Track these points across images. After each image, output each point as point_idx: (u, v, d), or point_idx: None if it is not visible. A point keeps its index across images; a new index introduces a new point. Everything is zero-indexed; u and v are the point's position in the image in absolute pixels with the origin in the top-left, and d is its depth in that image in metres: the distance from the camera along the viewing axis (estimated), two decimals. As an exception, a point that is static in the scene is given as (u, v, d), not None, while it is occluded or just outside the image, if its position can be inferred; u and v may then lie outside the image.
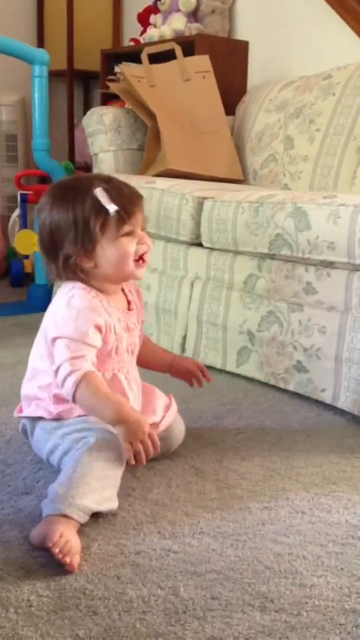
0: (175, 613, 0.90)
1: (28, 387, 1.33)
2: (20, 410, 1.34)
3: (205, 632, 0.87)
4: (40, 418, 1.28)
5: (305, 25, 2.79)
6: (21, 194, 3.11)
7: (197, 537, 1.09)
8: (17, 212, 3.26)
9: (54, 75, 3.10)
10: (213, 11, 3.01)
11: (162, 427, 1.34)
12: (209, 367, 1.95)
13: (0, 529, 1.10)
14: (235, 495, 1.23)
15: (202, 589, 0.96)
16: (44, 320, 1.29)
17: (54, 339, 1.22)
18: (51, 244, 1.25)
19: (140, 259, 1.27)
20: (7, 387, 1.77)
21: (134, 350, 1.35)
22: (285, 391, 1.76)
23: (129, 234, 1.24)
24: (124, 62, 3.12)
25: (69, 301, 1.24)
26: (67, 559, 1.00)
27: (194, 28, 2.96)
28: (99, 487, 1.11)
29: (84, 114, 2.81)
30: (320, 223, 1.59)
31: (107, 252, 1.23)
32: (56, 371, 1.19)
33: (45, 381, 1.28)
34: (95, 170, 2.71)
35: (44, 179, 3.32)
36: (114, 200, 1.21)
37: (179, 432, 1.40)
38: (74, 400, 1.17)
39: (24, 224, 3.11)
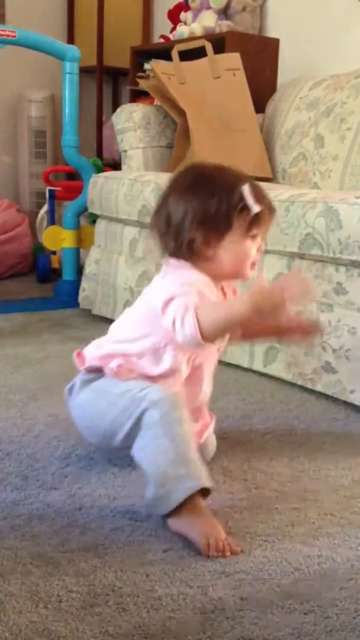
0: (204, 612, 0.90)
1: (102, 348, 1.30)
2: (81, 364, 1.32)
3: (235, 632, 0.87)
4: (96, 378, 1.28)
5: (337, 23, 2.77)
6: (49, 190, 3.14)
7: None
8: (45, 208, 3.28)
9: (83, 71, 3.10)
10: (244, 8, 3.00)
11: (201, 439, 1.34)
12: (236, 366, 1.95)
13: (29, 524, 1.10)
14: (263, 495, 1.23)
15: (231, 588, 0.95)
16: (144, 295, 1.30)
17: (167, 302, 1.19)
18: (178, 223, 1.24)
19: (252, 264, 1.28)
20: (36, 382, 1.78)
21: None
22: (312, 392, 1.75)
23: (254, 237, 1.25)
24: (153, 59, 3.12)
25: (179, 274, 1.25)
26: (228, 552, 1.04)
27: (225, 25, 2.95)
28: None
29: (113, 110, 2.83)
30: (352, 223, 1.58)
31: (231, 247, 1.24)
32: (173, 324, 1.17)
33: (127, 350, 1.27)
34: (124, 168, 2.71)
35: (73, 176, 3.34)
36: (257, 201, 1.22)
37: (212, 445, 1.40)
38: (201, 335, 1.14)
39: (52, 219, 3.13)
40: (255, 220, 1.23)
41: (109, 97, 3.98)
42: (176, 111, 2.55)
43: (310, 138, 2.46)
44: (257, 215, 1.23)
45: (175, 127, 2.59)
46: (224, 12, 3.01)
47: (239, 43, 2.84)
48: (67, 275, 2.77)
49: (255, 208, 1.22)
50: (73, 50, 2.65)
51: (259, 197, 1.24)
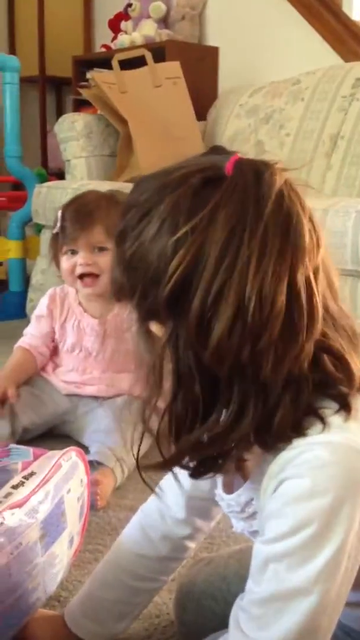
0: (149, 617, 0.91)
1: None
2: None
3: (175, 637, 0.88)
4: None
5: (275, 31, 2.82)
6: (-6, 201, 3.11)
7: (171, 542, 1.10)
8: (-10, 219, 3.25)
9: (26, 81, 3.10)
10: (183, 17, 3.03)
11: None
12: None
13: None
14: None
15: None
16: None
17: None
18: None
19: (80, 277, 1.45)
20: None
21: (91, 353, 1.53)
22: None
23: (69, 252, 1.44)
24: (95, 69, 3.12)
25: None
26: None
27: (165, 34, 2.98)
28: None
29: (57, 120, 2.82)
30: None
31: (60, 264, 1.48)
32: None
33: None
34: (67, 177, 2.71)
35: (17, 186, 3.32)
36: (62, 221, 1.42)
37: None
38: None
39: (-3, 230, 3.11)
40: (63, 238, 1.43)
41: (53, 107, 3.97)
42: (118, 120, 2.56)
43: (251, 144, 2.50)
44: (60, 234, 1.43)
45: (118, 136, 2.61)
46: (164, 21, 3.04)
47: (179, 52, 2.87)
48: (14, 286, 2.75)
49: (55, 229, 1.44)
50: (13, 60, 2.64)
51: (68, 217, 1.43)
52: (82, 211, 1.42)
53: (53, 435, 1.55)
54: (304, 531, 0.56)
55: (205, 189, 0.57)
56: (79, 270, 1.43)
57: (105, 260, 1.39)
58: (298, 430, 0.58)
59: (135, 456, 0.66)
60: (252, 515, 0.67)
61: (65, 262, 1.45)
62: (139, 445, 0.63)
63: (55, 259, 1.50)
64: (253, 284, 0.54)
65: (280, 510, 0.57)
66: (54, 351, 1.59)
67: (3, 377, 1.50)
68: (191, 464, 0.62)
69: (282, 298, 0.55)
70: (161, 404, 0.60)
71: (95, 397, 1.51)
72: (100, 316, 1.51)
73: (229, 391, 0.57)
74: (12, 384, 1.48)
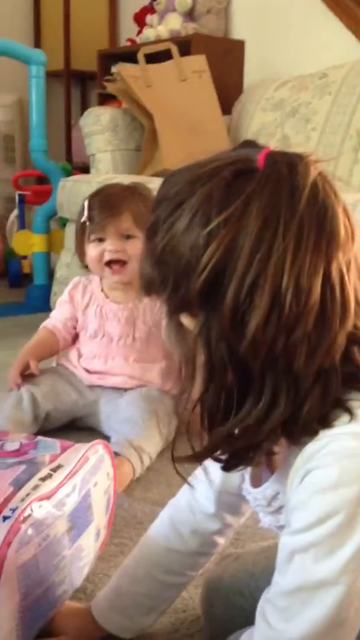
0: (175, 612, 0.91)
1: None
2: None
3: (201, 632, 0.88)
4: None
5: (301, 24, 2.80)
6: (19, 195, 3.13)
7: (196, 537, 1.10)
8: (15, 212, 3.26)
9: (51, 75, 3.11)
10: (209, 11, 3.01)
11: None
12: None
13: None
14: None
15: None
16: None
17: None
18: None
19: (108, 264, 1.47)
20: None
21: (113, 339, 1.53)
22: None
23: (97, 240, 1.46)
24: (120, 62, 3.12)
25: None
26: None
27: (190, 28, 2.96)
28: None
29: (82, 114, 2.82)
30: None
31: (87, 253, 1.49)
32: None
33: None
34: (92, 171, 2.71)
35: (42, 180, 3.33)
36: (89, 210, 1.44)
37: None
38: None
39: (22, 224, 3.12)
40: (90, 226, 1.45)
41: (78, 101, 3.98)
42: (143, 114, 2.56)
43: (276, 139, 2.48)
44: (88, 222, 1.44)
45: (143, 130, 2.60)
46: (190, 15, 3.03)
47: (204, 45, 2.86)
48: (39, 279, 2.77)
49: (83, 217, 1.46)
50: (38, 54, 2.65)
51: (95, 205, 1.45)
52: (109, 200, 1.46)
53: (77, 427, 1.56)
54: (330, 521, 0.55)
55: (237, 181, 0.57)
56: (107, 256, 1.46)
57: (132, 248, 1.44)
58: (324, 422, 0.57)
59: (164, 447, 0.65)
60: (279, 510, 0.67)
61: (93, 250, 1.47)
62: (174, 438, 0.63)
63: (80, 248, 1.52)
64: (290, 275, 0.54)
65: (306, 500, 0.57)
66: (75, 339, 1.61)
67: (25, 352, 1.55)
68: (223, 457, 0.62)
69: (317, 290, 0.55)
70: (194, 396, 0.59)
71: (117, 389, 1.52)
72: (123, 303, 1.52)
73: (261, 383, 0.57)
74: (34, 357, 1.53)
